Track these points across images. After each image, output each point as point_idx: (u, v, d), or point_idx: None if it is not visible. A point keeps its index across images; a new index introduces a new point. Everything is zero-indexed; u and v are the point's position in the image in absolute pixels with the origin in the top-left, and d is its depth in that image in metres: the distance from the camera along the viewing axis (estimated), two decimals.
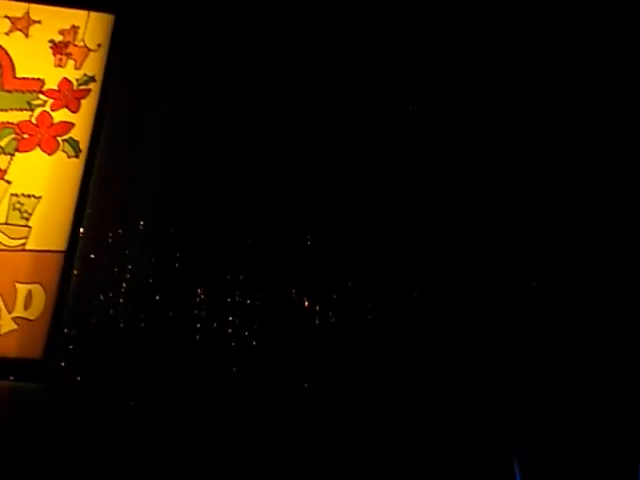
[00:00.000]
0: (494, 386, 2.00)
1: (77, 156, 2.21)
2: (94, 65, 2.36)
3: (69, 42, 2.38)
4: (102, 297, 2.08)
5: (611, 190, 2.22)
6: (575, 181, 2.25)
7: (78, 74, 2.35)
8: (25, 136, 2.22)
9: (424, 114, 2.35)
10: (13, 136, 2.21)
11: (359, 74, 2.37)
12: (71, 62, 2.36)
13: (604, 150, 2.31)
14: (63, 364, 1.97)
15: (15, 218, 2.11)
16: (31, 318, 1.99)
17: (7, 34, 2.37)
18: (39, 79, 2.33)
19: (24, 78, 2.31)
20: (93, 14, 2.42)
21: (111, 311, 2.06)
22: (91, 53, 2.37)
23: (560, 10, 2.46)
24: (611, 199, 2.24)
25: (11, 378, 1.94)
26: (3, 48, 2.34)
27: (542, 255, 2.15)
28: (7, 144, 2.20)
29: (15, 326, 1.97)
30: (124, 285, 2.10)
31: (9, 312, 1.99)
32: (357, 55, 2.39)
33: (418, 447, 1.95)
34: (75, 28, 2.40)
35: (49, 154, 2.21)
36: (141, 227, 2.19)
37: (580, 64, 2.41)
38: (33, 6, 2.41)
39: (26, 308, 2.00)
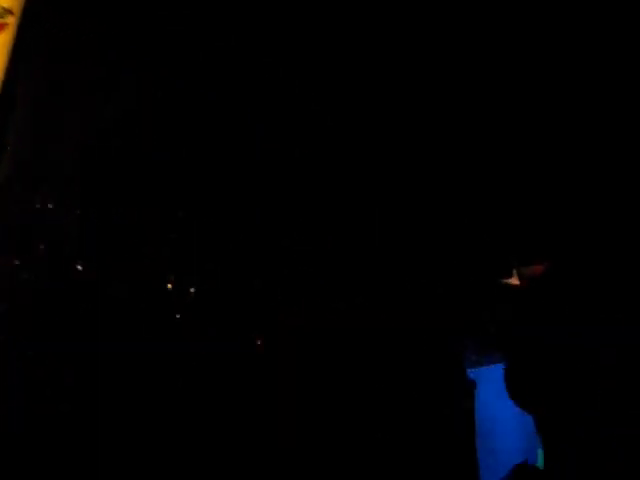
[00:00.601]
0: None
1: None
2: None
3: None
4: (16, 261, 1.83)
5: (602, 186, 2.07)
6: (568, 173, 2.09)
7: None
8: None
9: (415, 111, 2.20)
10: None
11: (351, 71, 2.20)
12: None
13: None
14: None
15: None
16: None
17: None
18: None
19: None
20: None
21: (25, 275, 1.82)
22: None
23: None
24: (600, 195, 2.09)
25: None
26: None
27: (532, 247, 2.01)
28: None
29: None
30: (41, 247, 1.86)
31: None
32: (349, 52, 2.21)
33: None
34: None
35: None
36: (63, 182, 1.94)
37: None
38: None
39: None
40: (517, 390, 1.60)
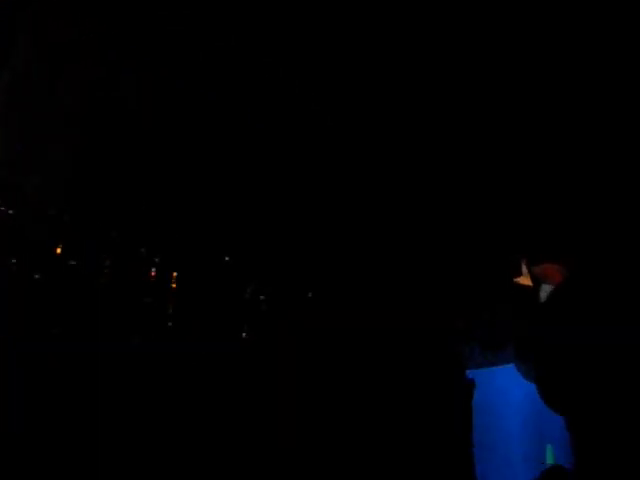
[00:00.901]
0: None
1: None
2: None
3: None
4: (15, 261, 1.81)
5: (613, 183, 2.07)
6: (567, 171, 2.10)
7: None
8: None
9: (413, 111, 2.19)
10: None
11: (350, 71, 2.22)
12: None
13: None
14: None
15: None
16: None
17: None
18: None
19: None
20: None
21: (13, 260, 1.80)
22: None
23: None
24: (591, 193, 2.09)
25: None
26: None
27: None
28: None
29: None
30: (41, 247, 1.83)
31: None
32: (348, 53, 2.23)
33: None
34: None
35: None
36: (63, 182, 1.92)
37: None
38: None
39: None
40: (552, 394, 1.58)
